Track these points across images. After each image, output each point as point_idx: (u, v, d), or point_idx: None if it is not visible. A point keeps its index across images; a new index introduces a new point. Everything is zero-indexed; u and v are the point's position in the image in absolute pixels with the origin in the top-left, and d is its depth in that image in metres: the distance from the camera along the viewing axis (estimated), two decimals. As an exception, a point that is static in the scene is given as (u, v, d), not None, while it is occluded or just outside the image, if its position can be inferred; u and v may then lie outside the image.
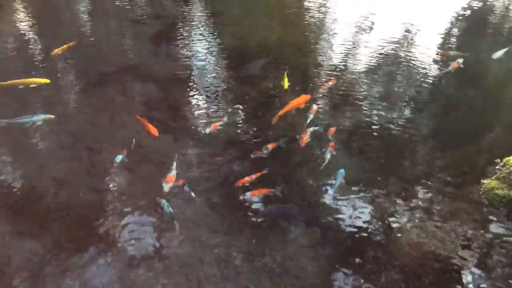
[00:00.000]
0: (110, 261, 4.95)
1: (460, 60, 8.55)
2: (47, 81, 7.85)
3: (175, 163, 5.99)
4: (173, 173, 5.82)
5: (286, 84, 7.69)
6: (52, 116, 6.94)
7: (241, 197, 5.64)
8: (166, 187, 5.65)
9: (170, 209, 5.40)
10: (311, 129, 6.70)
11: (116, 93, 7.92)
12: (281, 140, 6.50)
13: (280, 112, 6.93)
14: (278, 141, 6.48)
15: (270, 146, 6.33)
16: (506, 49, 8.60)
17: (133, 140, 6.57)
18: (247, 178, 5.87)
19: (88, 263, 4.91)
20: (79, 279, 4.75)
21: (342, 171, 5.99)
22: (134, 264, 4.91)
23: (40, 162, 6.35)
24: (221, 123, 6.95)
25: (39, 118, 6.88)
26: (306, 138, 6.50)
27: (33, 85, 7.74)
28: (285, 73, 7.85)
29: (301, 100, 7.17)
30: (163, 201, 5.49)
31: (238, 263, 4.96)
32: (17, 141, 6.71)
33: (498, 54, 8.61)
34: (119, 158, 6.15)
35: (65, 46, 7.99)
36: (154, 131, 6.61)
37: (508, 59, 8.79)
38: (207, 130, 6.78)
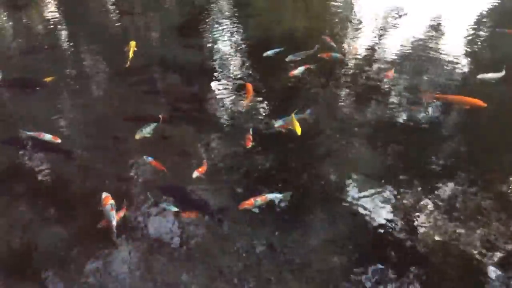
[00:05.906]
0: (134, 248, 5.03)
1: None
2: (134, 42, 8.65)
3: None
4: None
5: (298, 129, 6.44)
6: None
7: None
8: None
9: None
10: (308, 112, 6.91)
11: (142, 83, 7.98)
12: (214, 209, 5.66)
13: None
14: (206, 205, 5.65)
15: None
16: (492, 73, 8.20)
17: (160, 116, 6.76)
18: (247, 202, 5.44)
19: (112, 249, 5.00)
20: (103, 265, 4.85)
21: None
22: (156, 252, 4.98)
23: (65, 150, 6.46)
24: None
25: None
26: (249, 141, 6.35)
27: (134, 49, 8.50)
28: (293, 115, 6.65)
29: None
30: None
31: (260, 254, 4.96)
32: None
33: (489, 76, 8.17)
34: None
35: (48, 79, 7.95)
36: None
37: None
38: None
